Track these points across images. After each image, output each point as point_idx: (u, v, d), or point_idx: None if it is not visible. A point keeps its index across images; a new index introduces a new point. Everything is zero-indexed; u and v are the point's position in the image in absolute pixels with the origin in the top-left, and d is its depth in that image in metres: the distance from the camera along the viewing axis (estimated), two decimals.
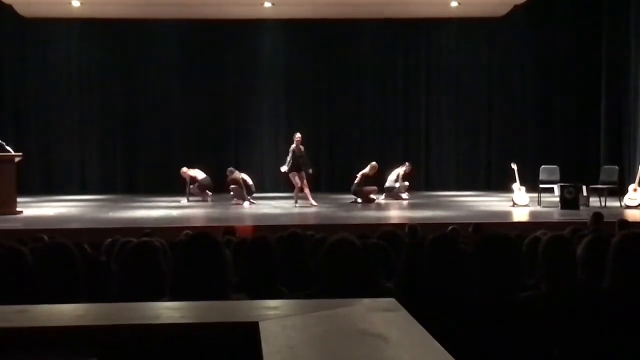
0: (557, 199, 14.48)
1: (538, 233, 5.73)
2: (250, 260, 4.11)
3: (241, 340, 2.11)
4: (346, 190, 16.96)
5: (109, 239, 6.87)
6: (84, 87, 19.92)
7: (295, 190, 15.45)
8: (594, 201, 14.77)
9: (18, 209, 13.57)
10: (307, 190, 15.34)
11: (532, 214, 13.86)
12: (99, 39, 19.79)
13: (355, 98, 20.03)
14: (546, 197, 15.27)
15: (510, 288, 3.61)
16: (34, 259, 3.95)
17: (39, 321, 2.22)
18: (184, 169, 16.94)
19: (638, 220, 12.32)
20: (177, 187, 18.95)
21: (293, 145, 15.41)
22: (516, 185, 15.11)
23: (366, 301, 2.36)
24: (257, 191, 18.87)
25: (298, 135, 15.49)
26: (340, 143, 19.76)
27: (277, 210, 14.75)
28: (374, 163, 16.57)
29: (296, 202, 15.40)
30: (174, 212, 14.24)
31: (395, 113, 20.31)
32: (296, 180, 15.29)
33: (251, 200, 16.01)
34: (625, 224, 8.50)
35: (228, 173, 16.47)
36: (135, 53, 19.79)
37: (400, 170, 17.10)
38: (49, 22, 19.17)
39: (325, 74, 20.09)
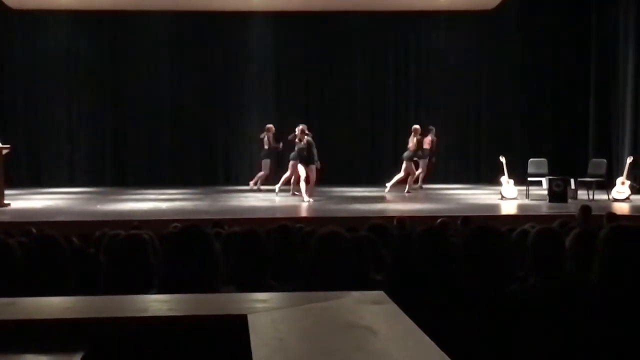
0: (546, 192, 14.54)
1: (526, 226, 5.75)
2: (240, 253, 4.10)
3: (230, 332, 2.10)
4: (334, 182, 16.97)
5: (98, 232, 6.85)
6: (73, 79, 19.84)
7: (294, 181, 15.49)
8: (582, 194, 14.83)
9: (6, 202, 13.53)
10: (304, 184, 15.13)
11: (521, 206, 13.90)
12: (88, 30, 19.73)
13: (344, 90, 20.03)
14: (534, 190, 15.33)
15: (499, 280, 3.61)
16: (22, 252, 3.94)
17: (27, 314, 2.22)
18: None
19: (626, 213, 12.39)
20: (165, 179, 18.96)
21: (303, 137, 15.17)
22: (504, 178, 15.16)
23: (355, 294, 2.36)
24: (246, 183, 18.89)
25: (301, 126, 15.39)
26: (330, 135, 19.74)
27: (266, 203, 14.74)
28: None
29: (293, 193, 15.58)
30: (163, 205, 14.22)
31: (385, 105, 20.32)
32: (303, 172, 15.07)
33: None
34: (613, 217, 8.54)
35: None
36: (124, 45, 19.73)
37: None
38: (38, 14, 19.10)
39: (315, 67, 20.07)
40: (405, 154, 16.49)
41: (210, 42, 19.70)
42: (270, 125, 17.11)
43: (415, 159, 16.69)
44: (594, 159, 16.28)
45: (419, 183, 17.39)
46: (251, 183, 17.29)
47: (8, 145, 13.68)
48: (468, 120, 20.34)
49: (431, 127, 17.63)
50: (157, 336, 2.15)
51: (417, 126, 16.85)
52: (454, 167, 20.19)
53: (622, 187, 14.69)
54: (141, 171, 19.57)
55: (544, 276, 3.73)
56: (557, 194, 14.06)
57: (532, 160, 16.21)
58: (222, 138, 20.06)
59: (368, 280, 3.87)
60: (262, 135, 17.04)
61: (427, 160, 17.30)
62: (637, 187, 15.44)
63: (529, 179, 15.62)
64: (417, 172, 16.90)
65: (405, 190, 16.34)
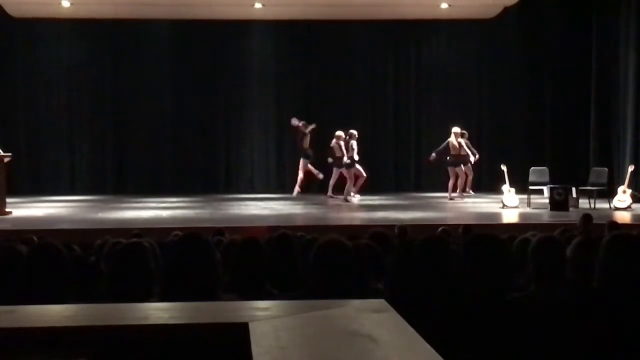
0: (547, 201, 14.52)
1: (528, 234, 5.75)
2: (241, 261, 4.10)
3: (231, 341, 2.10)
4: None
5: (99, 240, 6.84)
6: (74, 88, 19.85)
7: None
8: (584, 203, 14.81)
9: (7, 210, 13.52)
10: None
11: (522, 215, 13.89)
12: (89, 39, 19.74)
13: (345, 99, 20.02)
14: (536, 199, 15.31)
15: (500, 289, 3.61)
16: (23, 260, 3.94)
17: (28, 322, 2.21)
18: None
19: (627, 222, 12.38)
20: (166, 187, 18.96)
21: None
22: (506, 187, 15.15)
23: (356, 302, 2.36)
24: (247, 191, 18.89)
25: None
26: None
27: (267, 211, 14.74)
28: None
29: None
30: (164, 213, 14.21)
31: (386, 114, 20.33)
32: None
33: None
34: (614, 225, 8.53)
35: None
36: (125, 53, 19.75)
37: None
38: (39, 22, 19.12)
39: (316, 75, 20.08)
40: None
41: (211, 51, 19.71)
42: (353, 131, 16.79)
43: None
44: (595, 168, 16.27)
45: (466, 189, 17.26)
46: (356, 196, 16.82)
47: (9, 154, 13.69)
48: (469, 129, 20.28)
49: (464, 131, 17.45)
50: (158, 344, 2.15)
51: (457, 129, 16.92)
52: None
53: (623, 196, 14.67)
54: (142, 179, 19.56)
55: (545, 284, 3.73)
56: (558, 203, 14.05)
57: (534, 169, 16.20)
58: (223, 146, 20.06)
59: (369, 289, 3.86)
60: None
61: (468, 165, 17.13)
62: (639, 195, 15.42)
63: (530, 187, 15.60)
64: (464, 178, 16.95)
65: (449, 197, 16.64)
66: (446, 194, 16.86)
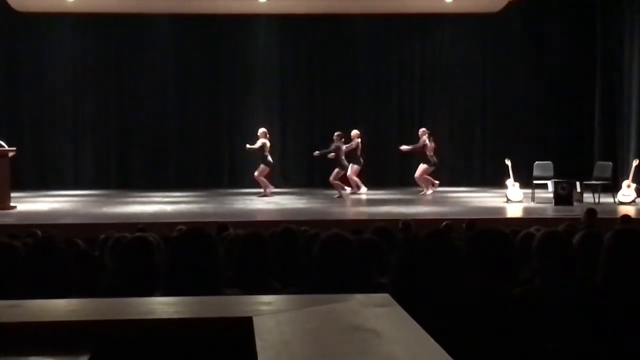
0: (551, 195, 14.51)
1: (531, 229, 5.74)
2: (244, 256, 4.11)
3: (235, 335, 2.11)
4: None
5: (103, 234, 6.85)
6: (78, 82, 19.85)
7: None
8: (588, 197, 14.79)
9: (12, 204, 13.54)
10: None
11: (526, 209, 13.87)
12: (92, 33, 19.73)
13: (349, 93, 20.01)
14: (540, 193, 15.29)
15: (503, 283, 3.61)
16: (27, 254, 3.94)
17: (32, 316, 2.22)
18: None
19: (631, 216, 12.36)
20: (170, 181, 18.97)
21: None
22: (510, 181, 15.14)
23: (360, 296, 2.36)
24: (250, 186, 18.88)
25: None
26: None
27: (271, 206, 14.74)
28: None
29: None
30: (168, 208, 14.22)
31: (390, 109, 20.30)
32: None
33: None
34: (627, 219, 8.52)
35: None
36: (129, 48, 19.74)
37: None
38: (43, 17, 19.12)
39: (320, 70, 20.07)
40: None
41: (216, 45, 19.71)
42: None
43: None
44: (600, 162, 16.23)
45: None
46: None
47: (14, 148, 13.71)
48: (473, 123, 20.31)
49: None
50: (162, 338, 2.16)
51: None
52: (460, 169, 20.16)
53: (627, 190, 14.66)
54: (146, 174, 19.57)
55: (549, 279, 3.72)
56: (562, 197, 14.03)
57: (538, 163, 16.17)
58: (227, 141, 20.05)
59: (373, 283, 3.87)
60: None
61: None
62: None
63: (535, 181, 15.58)
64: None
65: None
66: (446, 188, 17.03)
